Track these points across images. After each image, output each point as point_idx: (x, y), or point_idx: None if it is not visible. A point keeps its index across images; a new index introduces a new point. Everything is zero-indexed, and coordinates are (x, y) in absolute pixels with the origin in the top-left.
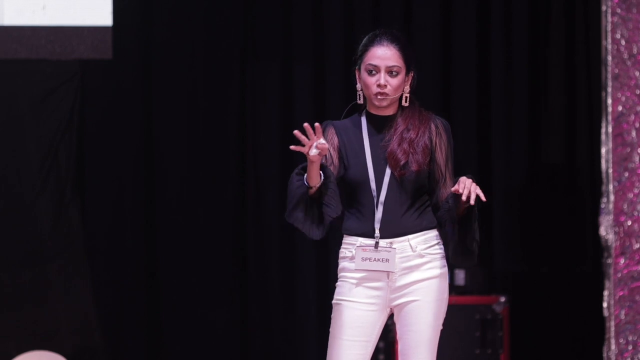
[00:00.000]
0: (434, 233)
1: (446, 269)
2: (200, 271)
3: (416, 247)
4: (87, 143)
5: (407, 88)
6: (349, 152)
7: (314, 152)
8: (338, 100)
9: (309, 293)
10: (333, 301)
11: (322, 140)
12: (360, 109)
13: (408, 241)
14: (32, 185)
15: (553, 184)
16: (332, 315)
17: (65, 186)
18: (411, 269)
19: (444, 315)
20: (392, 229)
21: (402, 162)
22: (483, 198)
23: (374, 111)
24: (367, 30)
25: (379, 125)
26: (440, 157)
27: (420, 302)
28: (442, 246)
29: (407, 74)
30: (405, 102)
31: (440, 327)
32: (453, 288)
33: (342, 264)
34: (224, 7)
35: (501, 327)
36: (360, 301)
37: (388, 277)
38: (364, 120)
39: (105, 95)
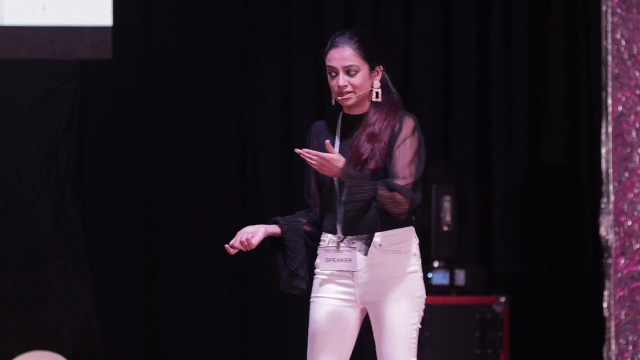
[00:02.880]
0: (402, 232)
1: (415, 267)
2: (200, 271)
3: (379, 245)
4: (87, 143)
5: (376, 83)
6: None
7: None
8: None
9: (308, 292)
10: (310, 298)
11: (245, 239)
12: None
13: (372, 239)
14: (32, 185)
15: (553, 184)
16: (310, 311)
17: (65, 186)
18: (375, 266)
19: (420, 314)
20: (355, 227)
21: (363, 157)
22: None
23: (346, 111)
24: (367, 31)
25: (351, 124)
26: (398, 153)
27: (386, 301)
28: (413, 244)
29: (372, 69)
30: (377, 97)
31: (417, 326)
32: (453, 288)
33: (316, 260)
34: (224, 7)
35: (501, 327)
36: (330, 296)
37: (353, 275)
38: (339, 120)
39: (105, 95)
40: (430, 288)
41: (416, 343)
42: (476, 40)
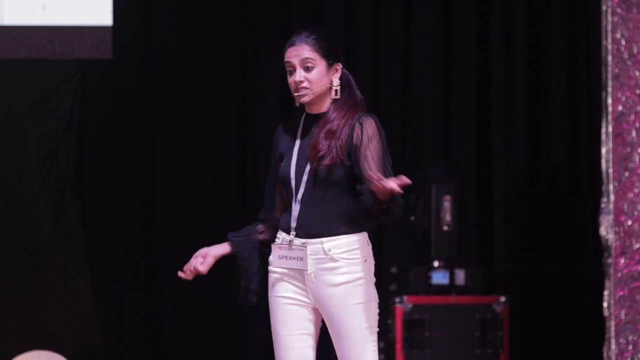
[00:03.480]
0: (353, 238)
1: (366, 273)
2: None
3: (329, 251)
4: (87, 143)
5: (335, 81)
6: (283, 152)
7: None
8: None
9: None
10: (268, 295)
11: (193, 267)
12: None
13: (322, 244)
14: (32, 185)
15: (553, 184)
16: (270, 310)
17: (65, 186)
18: (324, 271)
19: (376, 317)
20: (307, 229)
21: (320, 153)
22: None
23: (308, 110)
24: (367, 30)
25: (312, 123)
26: (366, 154)
27: (340, 306)
28: (364, 251)
29: (329, 66)
30: (336, 94)
31: (376, 329)
32: (453, 288)
33: (270, 256)
34: (224, 7)
35: (501, 327)
36: (286, 295)
37: (304, 277)
38: (302, 119)
39: (105, 95)
40: (430, 288)
41: (377, 346)
42: (476, 40)
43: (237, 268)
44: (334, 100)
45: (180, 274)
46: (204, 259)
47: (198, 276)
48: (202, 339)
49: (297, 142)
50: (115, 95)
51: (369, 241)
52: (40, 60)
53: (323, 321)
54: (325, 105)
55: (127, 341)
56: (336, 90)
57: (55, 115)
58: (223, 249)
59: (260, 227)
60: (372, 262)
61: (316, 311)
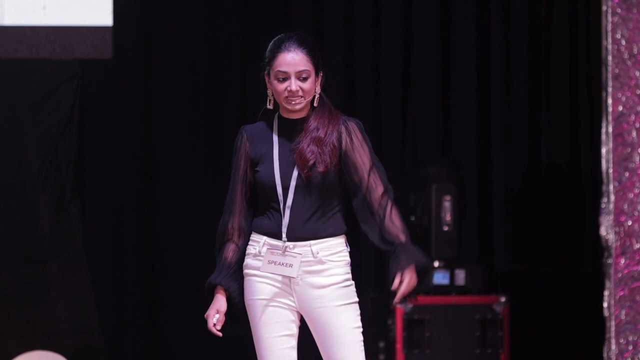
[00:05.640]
0: (339, 240)
1: (349, 275)
2: (200, 271)
3: (317, 253)
4: (87, 143)
5: (318, 89)
6: (257, 157)
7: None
8: (337, 101)
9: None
10: (245, 299)
11: (215, 320)
12: (273, 113)
13: (310, 246)
14: (32, 185)
15: (553, 184)
16: (249, 313)
17: (65, 186)
18: (311, 274)
19: (359, 318)
20: (296, 233)
21: (310, 163)
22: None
23: (285, 115)
24: (367, 31)
25: (291, 128)
26: (359, 159)
27: (326, 308)
28: (347, 253)
29: (317, 75)
30: (316, 102)
31: (361, 330)
32: (453, 288)
33: (247, 260)
34: (224, 7)
35: (501, 327)
36: (269, 298)
37: (290, 280)
38: (275, 124)
39: (105, 95)
40: (431, 288)
41: (360, 346)
42: (476, 40)
43: (229, 303)
44: (313, 107)
45: (218, 333)
46: (219, 324)
47: (197, 276)
48: (202, 339)
49: (276, 148)
50: (115, 96)
51: (347, 244)
52: (40, 60)
53: (302, 322)
54: (305, 111)
55: (127, 341)
56: (317, 99)
57: (55, 115)
58: (223, 301)
59: (228, 248)
60: (350, 264)
61: (297, 313)
